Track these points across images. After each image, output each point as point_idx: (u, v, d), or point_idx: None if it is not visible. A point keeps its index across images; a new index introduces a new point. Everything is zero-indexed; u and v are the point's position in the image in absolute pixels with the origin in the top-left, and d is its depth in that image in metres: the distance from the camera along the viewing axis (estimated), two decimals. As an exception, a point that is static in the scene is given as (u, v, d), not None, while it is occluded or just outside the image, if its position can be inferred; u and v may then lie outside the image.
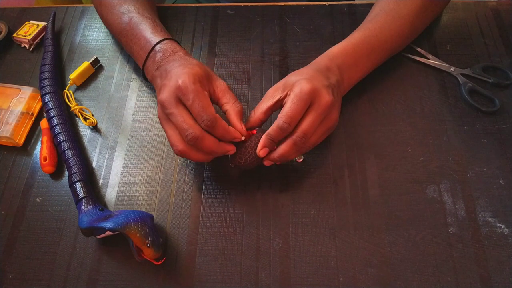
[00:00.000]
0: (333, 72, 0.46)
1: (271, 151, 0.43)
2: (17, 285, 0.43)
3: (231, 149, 0.43)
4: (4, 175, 0.49)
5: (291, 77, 0.44)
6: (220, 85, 0.44)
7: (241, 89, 0.54)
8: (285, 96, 0.43)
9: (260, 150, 0.42)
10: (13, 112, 0.52)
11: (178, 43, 0.48)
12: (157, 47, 0.46)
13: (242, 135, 0.43)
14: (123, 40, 0.52)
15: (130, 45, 0.50)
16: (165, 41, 0.47)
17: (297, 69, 0.46)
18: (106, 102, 0.54)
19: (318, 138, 0.44)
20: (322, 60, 0.48)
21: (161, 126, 0.44)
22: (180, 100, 0.41)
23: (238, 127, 0.43)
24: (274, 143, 0.42)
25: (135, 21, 0.50)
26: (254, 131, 0.44)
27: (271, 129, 0.42)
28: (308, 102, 0.41)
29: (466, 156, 0.48)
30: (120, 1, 0.52)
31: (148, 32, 0.48)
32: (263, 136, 0.42)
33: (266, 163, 0.44)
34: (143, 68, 0.49)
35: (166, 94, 0.41)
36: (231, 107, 0.43)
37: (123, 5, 0.52)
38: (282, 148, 0.42)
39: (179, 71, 0.42)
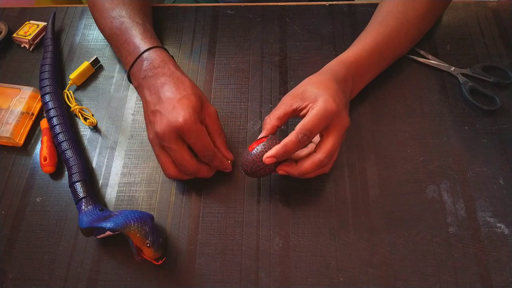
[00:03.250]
0: (348, 83, 0.46)
1: (280, 162, 0.42)
2: (17, 285, 0.43)
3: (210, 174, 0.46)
4: (4, 175, 0.49)
5: (312, 89, 0.43)
6: (210, 113, 0.45)
7: (241, 89, 0.54)
8: (305, 107, 0.42)
9: (267, 158, 0.41)
10: (13, 112, 0.52)
11: (167, 51, 0.48)
12: (145, 55, 0.46)
13: (230, 160, 0.46)
14: (113, 43, 0.52)
15: (119, 48, 0.50)
16: (153, 49, 0.46)
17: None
18: (106, 102, 0.54)
19: (336, 157, 0.44)
20: (340, 69, 0.46)
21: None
22: (179, 136, 0.41)
23: (228, 156, 0.46)
24: (287, 155, 0.41)
25: (126, 26, 0.49)
26: (264, 139, 0.42)
27: (289, 141, 0.40)
28: (329, 121, 0.41)
29: (466, 156, 0.48)
30: (112, 5, 0.52)
31: (138, 38, 0.48)
32: (278, 146, 0.41)
33: (281, 172, 0.43)
34: (128, 72, 0.48)
35: (165, 129, 0.41)
36: (217, 138, 0.46)
37: (115, 9, 0.51)
38: (306, 167, 0.41)
39: (177, 105, 0.41)
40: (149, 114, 0.44)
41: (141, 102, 0.54)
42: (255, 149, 0.42)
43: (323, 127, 0.41)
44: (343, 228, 0.44)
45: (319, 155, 0.41)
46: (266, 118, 0.44)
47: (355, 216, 0.45)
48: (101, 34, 0.60)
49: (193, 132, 0.41)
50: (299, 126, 0.40)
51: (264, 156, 0.41)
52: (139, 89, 0.47)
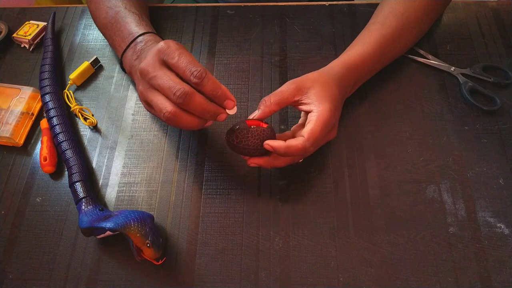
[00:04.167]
0: (348, 87, 0.48)
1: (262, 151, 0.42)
2: (17, 285, 0.43)
3: (222, 112, 0.40)
4: (4, 175, 0.49)
5: (320, 90, 0.43)
6: None
7: (241, 89, 0.54)
8: (307, 104, 0.43)
9: (267, 145, 0.40)
10: (13, 112, 0.52)
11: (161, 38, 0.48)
12: (139, 39, 0.46)
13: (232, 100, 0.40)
14: (107, 33, 0.52)
15: (112, 37, 0.50)
16: (148, 34, 0.47)
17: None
18: (106, 102, 0.54)
19: None
20: (344, 72, 0.47)
21: (160, 125, 0.44)
22: (163, 62, 0.39)
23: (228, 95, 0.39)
24: (284, 155, 0.41)
25: (121, 15, 0.50)
26: (265, 125, 0.42)
27: (295, 145, 0.40)
28: (328, 131, 0.43)
29: (466, 156, 0.48)
30: None
31: (132, 25, 0.48)
32: (282, 143, 0.40)
33: (252, 164, 0.42)
34: (121, 58, 0.48)
35: (147, 59, 0.39)
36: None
37: (111, 0, 0.52)
38: (279, 163, 0.43)
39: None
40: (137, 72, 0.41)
41: (141, 102, 0.54)
42: (255, 129, 0.41)
43: (325, 136, 0.42)
44: (343, 228, 0.44)
45: (296, 157, 0.43)
46: (266, 99, 0.42)
47: (355, 216, 0.45)
48: (101, 35, 0.60)
49: (175, 50, 0.38)
50: (308, 134, 0.40)
51: (266, 142, 0.41)
52: (131, 71, 0.46)
